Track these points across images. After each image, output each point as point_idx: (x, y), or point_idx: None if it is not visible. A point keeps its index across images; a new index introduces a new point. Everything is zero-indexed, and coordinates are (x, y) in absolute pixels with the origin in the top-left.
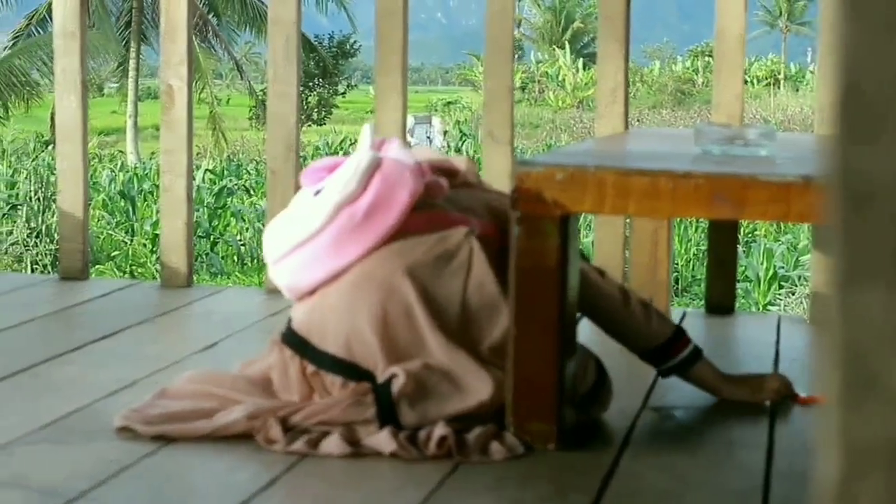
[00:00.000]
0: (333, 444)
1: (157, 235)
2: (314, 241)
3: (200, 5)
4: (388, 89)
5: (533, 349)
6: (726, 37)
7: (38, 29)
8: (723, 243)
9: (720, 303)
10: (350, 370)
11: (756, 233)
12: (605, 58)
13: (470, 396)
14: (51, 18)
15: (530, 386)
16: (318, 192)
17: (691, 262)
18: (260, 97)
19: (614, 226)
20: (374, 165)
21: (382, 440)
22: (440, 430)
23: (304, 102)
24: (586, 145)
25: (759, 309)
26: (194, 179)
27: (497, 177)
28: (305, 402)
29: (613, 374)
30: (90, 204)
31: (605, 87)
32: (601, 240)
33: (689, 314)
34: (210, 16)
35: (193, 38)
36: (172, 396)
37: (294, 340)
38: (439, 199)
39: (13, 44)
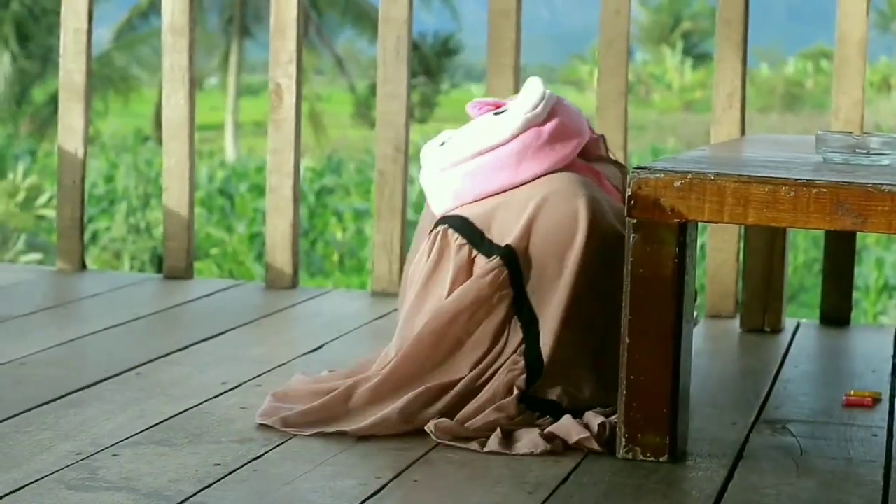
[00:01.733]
0: (530, 442)
1: (254, 234)
2: (499, 150)
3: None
4: (500, 91)
5: (647, 358)
6: (847, 42)
7: (141, 23)
8: (839, 253)
9: (835, 314)
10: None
11: (866, 241)
12: (722, 61)
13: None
14: (157, 13)
15: (644, 396)
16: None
17: (799, 270)
18: (362, 95)
19: (729, 232)
20: (557, 99)
21: (569, 425)
22: (595, 418)
23: None
24: (703, 151)
25: (868, 320)
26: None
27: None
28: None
29: (727, 387)
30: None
31: (721, 92)
32: (715, 247)
33: (802, 325)
34: (312, 12)
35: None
36: (294, 399)
37: (467, 230)
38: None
39: (115, 38)
